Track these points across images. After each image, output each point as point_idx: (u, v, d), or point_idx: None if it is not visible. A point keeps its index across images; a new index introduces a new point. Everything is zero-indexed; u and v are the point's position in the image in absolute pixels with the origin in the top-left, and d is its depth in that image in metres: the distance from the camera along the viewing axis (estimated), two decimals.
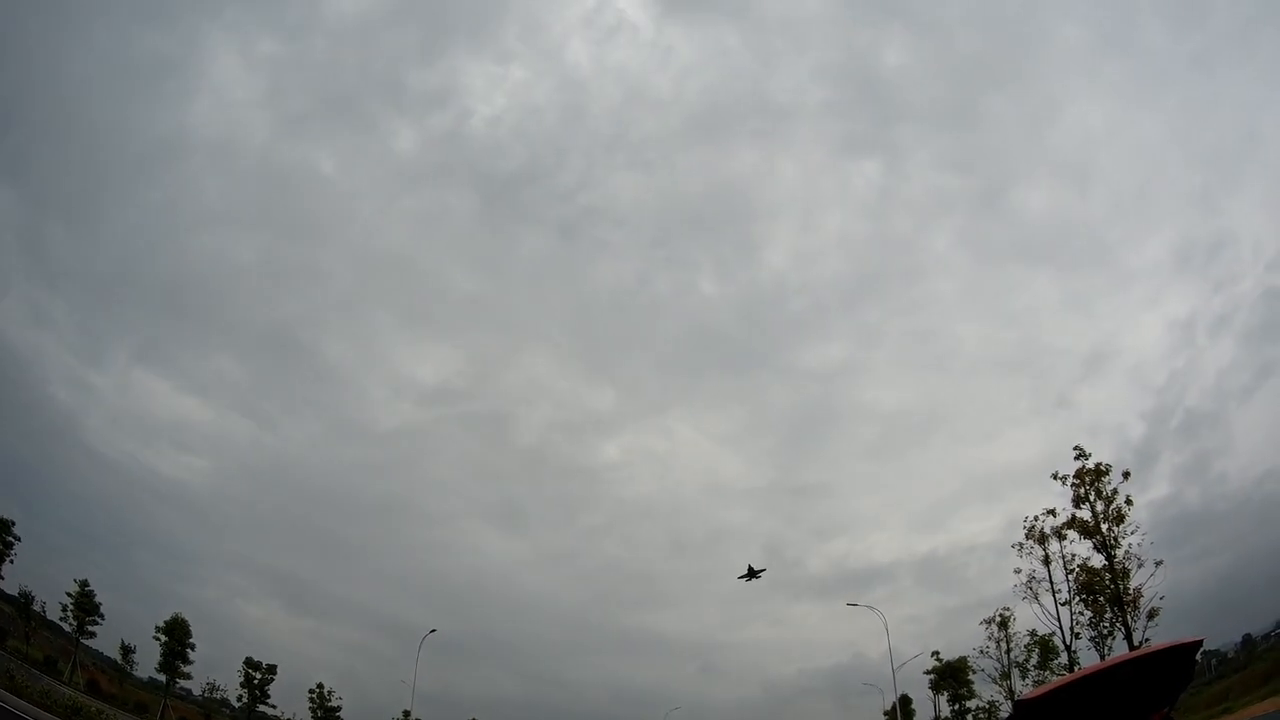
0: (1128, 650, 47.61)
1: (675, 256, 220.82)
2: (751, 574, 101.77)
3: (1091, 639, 53.66)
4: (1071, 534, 55.81)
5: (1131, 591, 51.18)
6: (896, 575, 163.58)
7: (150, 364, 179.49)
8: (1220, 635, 73.70)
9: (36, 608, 79.55)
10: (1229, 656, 76.46)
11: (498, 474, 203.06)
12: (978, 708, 77.21)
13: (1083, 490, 54.59)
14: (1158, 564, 50.89)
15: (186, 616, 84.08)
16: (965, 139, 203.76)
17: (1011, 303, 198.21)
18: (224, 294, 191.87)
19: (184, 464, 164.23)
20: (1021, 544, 59.16)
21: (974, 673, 72.91)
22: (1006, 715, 67.98)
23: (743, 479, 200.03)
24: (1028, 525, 59.10)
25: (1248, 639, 76.20)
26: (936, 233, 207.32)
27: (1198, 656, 11.82)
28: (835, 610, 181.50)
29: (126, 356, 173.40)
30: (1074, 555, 55.95)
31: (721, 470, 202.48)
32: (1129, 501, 53.15)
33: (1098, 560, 53.66)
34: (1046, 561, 57.79)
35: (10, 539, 74.05)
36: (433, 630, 77.17)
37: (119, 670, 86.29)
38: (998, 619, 68.84)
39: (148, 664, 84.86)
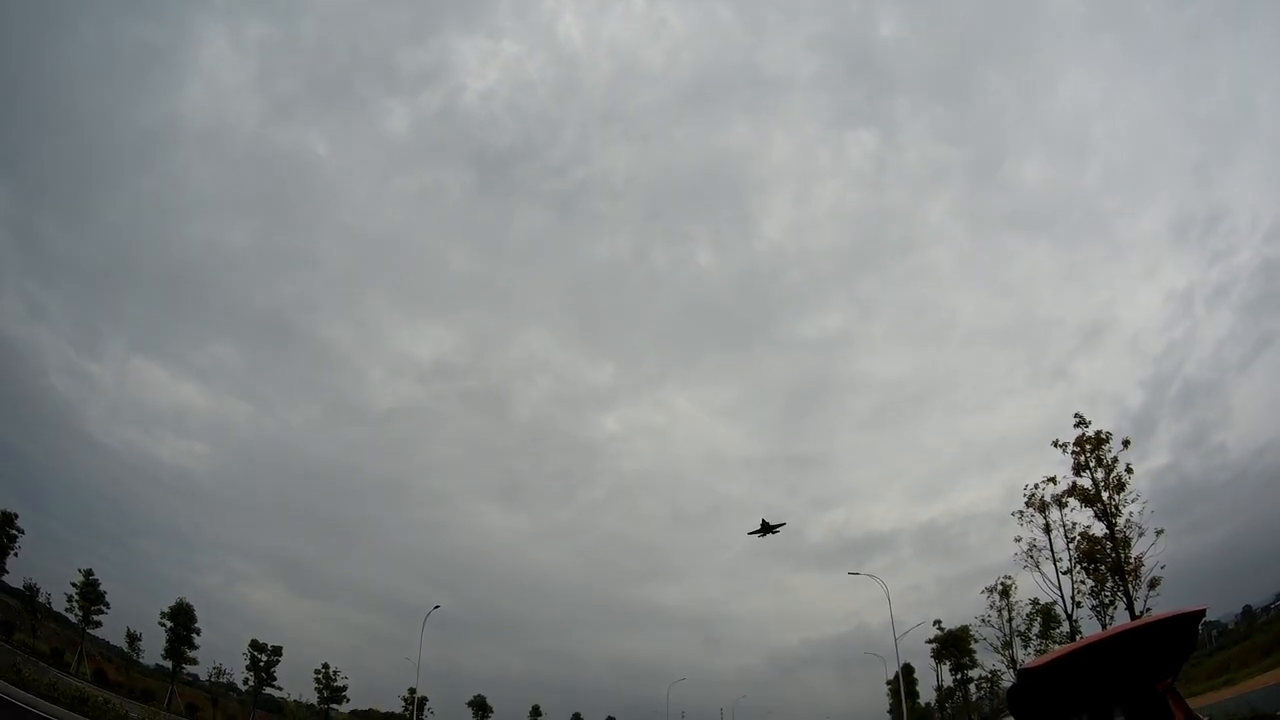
0: (1129, 619, 47.76)
1: (671, 229, 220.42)
2: (766, 529, 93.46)
3: (1093, 608, 53.72)
4: (1072, 502, 55.76)
5: (1132, 560, 51.18)
6: (897, 544, 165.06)
7: (148, 352, 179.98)
8: (1220, 606, 74.16)
9: (42, 600, 79.73)
10: (1229, 628, 76.93)
11: (497, 450, 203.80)
12: (980, 677, 77.83)
13: (1083, 458, 54.43)
14: (1158, 533, 50.80)
15: (191, 602, 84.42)
16: (960, 110, 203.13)
17: (1008, 273, 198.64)
18: (219, 280, 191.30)
19: (184, 450, 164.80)
20: (1022, 512, 59.22)
21: (976, 642, 73.44)
22: (1009, 684, 68.54)
23: (741, 450, 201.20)
24: (1028, 493, 59.19)
25: (1248, 610, 76.58)
26: (932, 203, 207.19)
27: (1199, 627, 11.76)
28: (836, 580, 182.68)
29: (124, 345, 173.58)
30: (1074, 524, 55.99)
31: (720, 442, 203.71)
32: (1129, 470, 53.03)
33: (1098, 529, 53.64)
34: (1047, 530, 57.85)
35: (14, 532, 73.98)
36: (436, 606, 77.80)
37: (125, 659, 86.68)
38: (999, 588, 69.30)
39: (154, 651, 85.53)
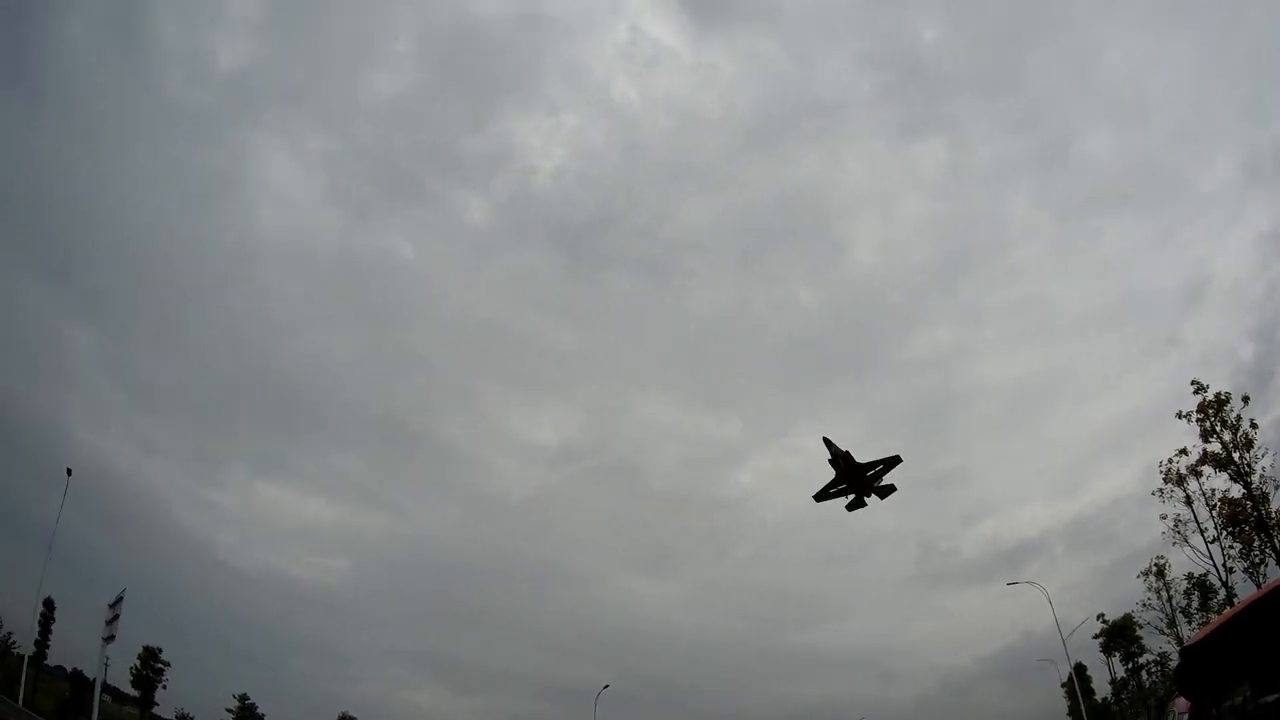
0: None
1: (767, 273, 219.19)
2: (861, 480, 52.39)
3: (1245, 570, 52.95)
4: (1206, 469, 55.44)
5: (1274, 515, 50.62)
6: (1048, 545, 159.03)
7: (269, 474, 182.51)
8: None
9: None
10: None
11: (639, 522, 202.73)
12: (1150, 661, 75.89)
13: (1208, 423, 54.30)
14: None
15: (356, 715, 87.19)
16: (1018, 100, 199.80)
17: (1101, 251, 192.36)
18: (328, 393, 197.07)
19: (321, 566, 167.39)
20: (1161, 489, 58.81)
21: (1140, 628, 71.90)
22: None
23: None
24: (1163, 469, 58.78)
25: None
26: (1013, 198, 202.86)
27: None
28: (996, 592, 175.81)
29: (244, 470, 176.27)
30: (1213, 490, 55.45)
31: None
32: (1254, 425, 52.74)
33: (1236, 490, 53.16)
34: (1188, 502, 57.33)
35: (159, 664, 76.55)
36: (606, 686, 77.68)
37: None
38: (1153, 569, 67.94)
39: None
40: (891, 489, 53.05)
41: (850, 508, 54.10)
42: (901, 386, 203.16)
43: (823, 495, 53.68)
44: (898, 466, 52.16)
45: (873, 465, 51.80)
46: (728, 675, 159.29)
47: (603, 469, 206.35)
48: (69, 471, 55.51)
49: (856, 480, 52.19)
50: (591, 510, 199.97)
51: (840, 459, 51.03)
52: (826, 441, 51.03)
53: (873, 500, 52.79)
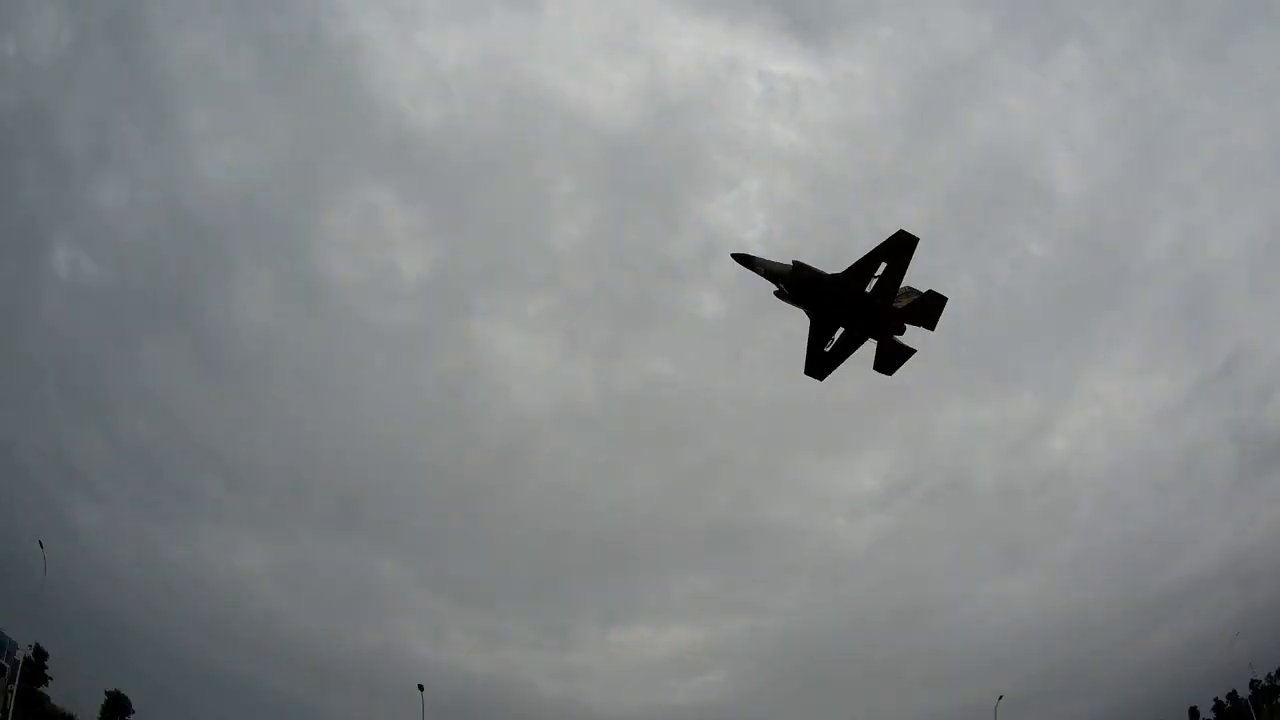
0: None
1: (992, 243, 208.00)
2: (845, 304, 35.67)
3: None
4: None
5: None
6: None
7: (619, 620, 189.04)
8: None
9: None
10: None
11: (984, 529, 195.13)
12: None
13: None
14: None
15: None
16: None
17: (1261, 79, 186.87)
18: (647, 527, 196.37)
19: (697, 686, 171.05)
20: None
21: None
22: None
23: (1175, 393, 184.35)
24: None
25: None
26: (1163, 63, 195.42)
27: None
28: None
29: (595, 626, 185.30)
30: None
31: (1154, 399, 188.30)
32: None
33: None
34: None
35: None
36: (1000, 697, 79.16)
37: None
38: None
39: None
40: (936, 302, 33.97)
41: (883, 367, 34.24)
42: (1158, 295, 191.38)
43: (816, 362, 34.79)
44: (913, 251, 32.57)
45: (862, 266, 32.65)
46: (1110, 643, 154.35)
47: (930, 492, 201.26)
48: (420, 687, 64.63)
49: (843, 305, 33.90)
50: (936, 535, 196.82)
51: (788, 278, 33.17)
52: (743, 259, 34.10)
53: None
